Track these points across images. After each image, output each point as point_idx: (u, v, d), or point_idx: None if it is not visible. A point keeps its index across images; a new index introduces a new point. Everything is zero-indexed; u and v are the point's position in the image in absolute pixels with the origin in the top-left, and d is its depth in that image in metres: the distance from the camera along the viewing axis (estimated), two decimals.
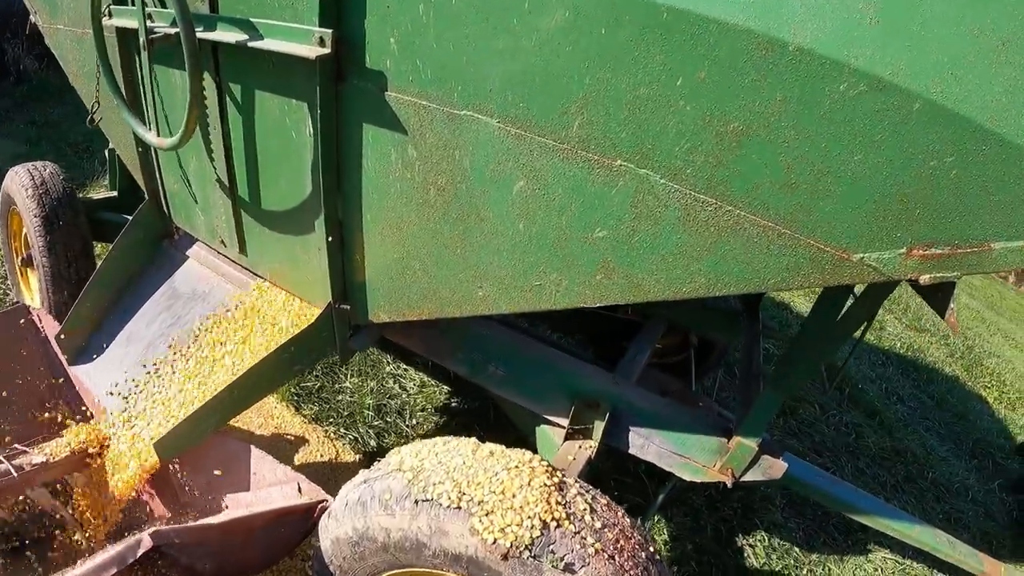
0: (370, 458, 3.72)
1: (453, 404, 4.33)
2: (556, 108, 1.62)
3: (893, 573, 4.61)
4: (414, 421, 4.11)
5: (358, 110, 1.99)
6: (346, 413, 4.05)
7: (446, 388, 4.41)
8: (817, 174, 1.41)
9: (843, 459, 5.60)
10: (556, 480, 1.88)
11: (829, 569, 4.33)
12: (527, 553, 1.74)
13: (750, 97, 1.39)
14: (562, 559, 1.74)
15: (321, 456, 3.77)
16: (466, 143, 1.80)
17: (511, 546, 1.74)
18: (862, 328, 2.47)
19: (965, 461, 6.83)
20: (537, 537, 1.74)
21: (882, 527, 3.76)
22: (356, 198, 2.14)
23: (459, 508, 1.82)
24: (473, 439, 2.06)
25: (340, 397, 4.17)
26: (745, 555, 4.04)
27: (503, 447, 2.00)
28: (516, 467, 1.88)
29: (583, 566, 1.74)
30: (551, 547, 1.75)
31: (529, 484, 1.82)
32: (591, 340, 4.86)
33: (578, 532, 1.78)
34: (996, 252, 1.39)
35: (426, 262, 2.10)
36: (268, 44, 1.99)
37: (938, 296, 1.71)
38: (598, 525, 1.82)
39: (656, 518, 3.94)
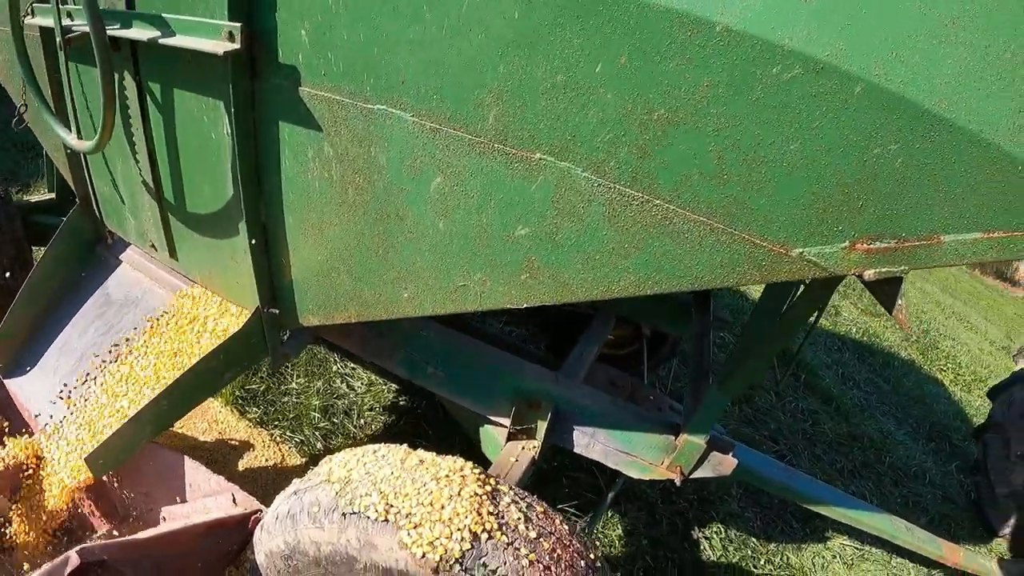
0: (316, 461, 3.59)
1: (401, 403, 4.25)
2: (470, 99, 1.54)
3: (852, 559, 4.61)
4: (362, 421, 4.02)
5: (273, 107, 1.90)
6: (292, 415, 3.95)
7: (394, 386, 4.33)
8: (751, 164, 1.35)
9: (800, 446, 5.59)
10: (488, 489, 1.80)
11: (787, 558, 4.31)
12: (458, 567, 1.66)
13: (675, 83, 1.32)
14: (494, 572, 1.67)
15: (266, 461, 3.67)
16: (381, 139, 1.72)
17: (441, 560, 1.66)
18: (813, 318, 2.43)
19: (922, 444, 6.88)
20: (468, 550, 1.66)
21: (839, 516, 3.75)
22: (277, 199, 2.06)
23: (387, 521, 1.74)
24: (404, 447, 1.97)
25: (286, 399, 4.07)
26: (702, 548, 4.01)
27: (434, 455, 1.92)
28: (446, 476, 1.80)
29: None
30: (483, 560, 1.67)
31: (459, 494, 1.75)
32: (544, 330, 4.81)
33: (511, 543, 1.70)
34: (946, 245, 1.34)
35: (350, 264, 2.03)
36: (181, 41, 1.89)
37: (885, 291, 1.65)
38: (533, 535, 1.75)
39: (610, 513, 3.90)
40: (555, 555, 1.74)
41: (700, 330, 3.38)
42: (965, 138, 1.20)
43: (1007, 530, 5.50)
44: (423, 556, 1.67)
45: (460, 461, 1.89)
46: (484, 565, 1.67)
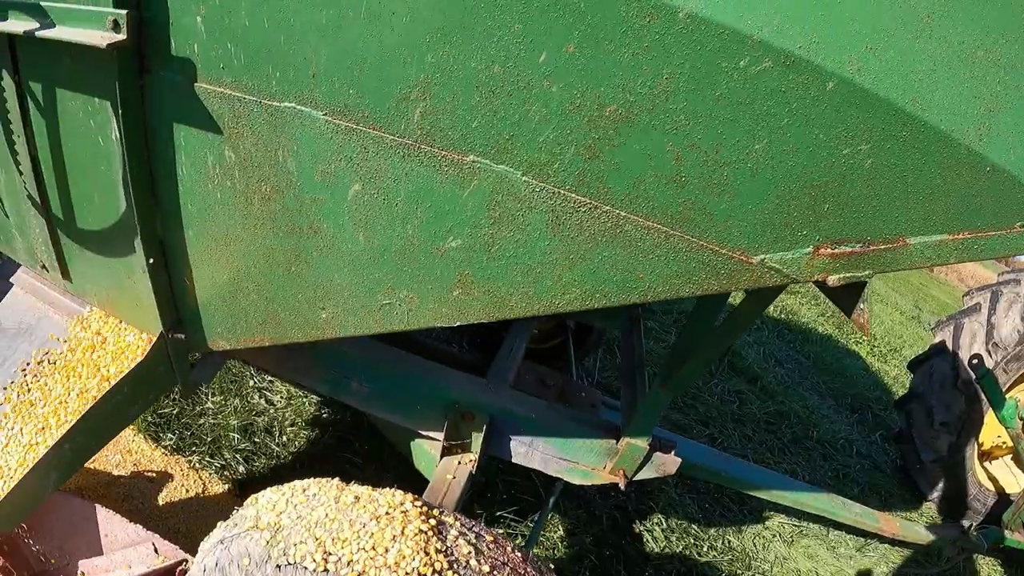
0: (240, 486, 3.47)
1: (324, 415, 4.09)
2: (393, 94, 1.40)
3: (791, 536, 4.70)
4: (284, 439, 3.84)
5: (167, 107, 1.71)
6: (210, 439, 3.74)
7: (315, 398, 4.17)
8: (712, 166, 1.27)
9: (730, 427, 5.67)
10: (433, 523, 1.66)
11: (728, 541, 4.36)
12: None
13: (631, 75, 1.23)
14: None
15: (187, 491, 3.46)
16: (290, 141, 1.56)
17: None
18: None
19: (846, 416, 7.10)
20: None
21: (778, 498, 3.78)
22: (175, 212, 1.88)
23: (326, 572, 1.59)
24: (336, 482, 1.81)
25: (202, 421, 3.84)
26: (644, 540, 4.00)
27: (370, 490, 1.77)
28: (386, 514, 1.65)
29: None
30: None
31: (403, 533, 1.60)
32: (467, 329, 4.71)
33: None
34: (912, 248, 1.32)
35: (260, 282, 1.87)
36: (60, 32, 1.68)
37: (846, 296, 1.57)
38: (486, 569, 1.62)
39: (550, 515, 3.82)
40: None
41: (628, 322, 3.32)
42: (936, 138, 1.18)
43: (936, 494, 5.73)
44: None
45: (399, 494, 1.74)
46: None
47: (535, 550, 3.50)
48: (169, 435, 3.64)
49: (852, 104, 1.17)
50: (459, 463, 2.36)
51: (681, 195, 1.29)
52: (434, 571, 1.56)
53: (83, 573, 2.43)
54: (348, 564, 1.57)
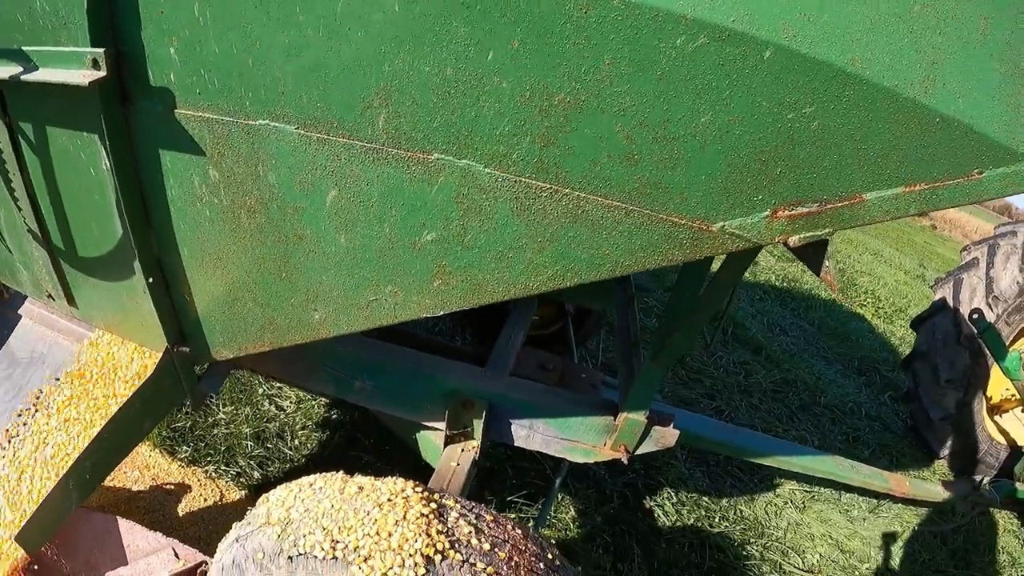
0: (256, 491, 3.52)
1: (334, 416, 4.16)
2: (357, 103, 1.46)
3: (803, 503, 4.71)
4: (296, 442, 3.91)
5: (151, 134, 1.78)
6: (223, 448, 3.81)
7: (323, 400, 4.23)
8: (661, 142, 1.33)
9: (736, 398, 5.69)
10: (434, 507, 1.73)
11: (740, 511, 4.39)
12: None
13: (574, 63, 1.29)
14: None
15: (205, 500, 3.53)
16: (268, 156, 1.63)
17: None
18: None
19: (853, 380, 7.08)
20: (423, 575, 1.59)
21: (786, 465, 3.81)
22: (169, 232, 1.95)
23: (335, 559, 1.66)
24: (340, 475, 1.89)
25: (215, 431, 3.92)
26: (655, 515, 4.04)
27: (372, 480, 1.84)
28: (388, 501, 1.73)
29: None
30: None
31: (405, 518, 1.67)
32: (467, 322, 4.76)
33: (466, 560, 1.64)
34: (870, 203, 1.36)
35: (255, 292, 1.94)
36: (44, 75, 1.75)
37: (811, 255, 1.63)
38: (487, 546, 1.69)
39: (560, 497, 3.88)
40: (513, 563, 1.68)
41: (623, 301, 3.37)
42: (881, 95, 1.22)
43: (947, 452, 5.71)
44: None
45: (400, 482, 1.82)
46: None
47: (546, 531, 3.58)
48: (184, 447, 3.72)
49: (791, 70, 1.21)
50: (462, 450, 2.42)
51: (636, 172, 1.35)
52: (436, 551, 1.63)
53: None
54: (355, 550, 1.64)
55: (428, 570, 1.60)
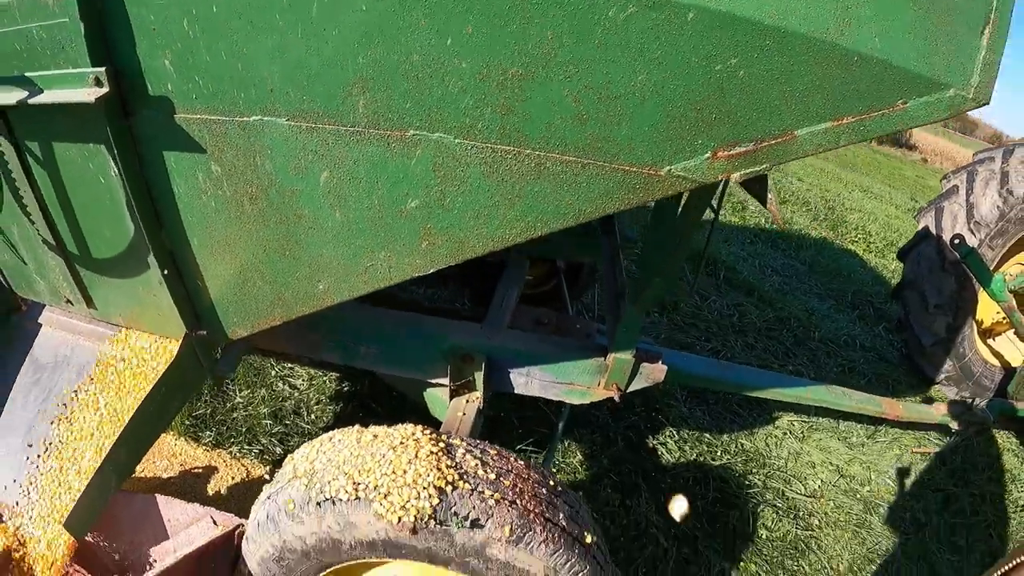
0: (280, 465, 3.65)
1: (345, 388, 4.33)
2: (338, 93, 1.63)
3: (802, 432, 4.86)
4: (312, 416, 4.09)
5: (155, 140, 1.93)
6: (244, 429, 3.98)
7: (334, 375, 4.40)
8: (606, 101, 1.48)
9: (731, 339, 5.82)
10: (442, 445, 1.92)
11: (741, 444, 4.54)
12: (433, 522, 1.79)
13: (521, 41, 1.44)
14: (467, 518, 1.79)
15: (233, 479, 3.71)
16: (264, 148, 1.79)
17: (416, 519, 1.78)
18: (712, 220, 2.59)
19: (847, 313, 7.16)
20: (437, 504, 1.78)
21: (780, 396, 3.96)
22: (178, 226, 2.10)
23: (358, 499, 1.84)
24: (356, 427, 2.07)
25: (235, 415, 4.09)
26: (660, 454, 4.20)
27: (385, 427, 2.03)
28: (401, 443, 1.92)
29: (488, 518, 1.80)
30: (453, 510, 1.80)
31: (417, 456, 1.86)
32: (465, 286, 4.89)
33: (475, 488, 1.83)
34: (801, 138, 1.49)
35: (263, 271, 2.09)
36: (50, 96, 1.88)
37: (755, 188, 1.80)
38: (493, 476, 1.88)
39: (567, 443, 4.05)
40: (518, 489, 1.87)
41: (610, 252, 3.51)
42: (799, 41, 1.35)
43: (943, 376, 5.81)
44: (400, 521, 1.78)
45: (410, 427, 2.00)
46: (456, 514, 1.79)
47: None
48: (207, 432, 3.88)
49: (714, 28, 1.35)
50: (467, 401, 2.60)
51: (586, 130, 1.51)
52: (447, 482, 1.82)
53: (154, 560, 2.58)
54: (375, 488, 1.82)
55: (441, 499, 1.79)
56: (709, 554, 3.56)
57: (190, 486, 3.62)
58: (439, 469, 1.83)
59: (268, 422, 3.99)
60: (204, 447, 3.86)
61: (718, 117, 1.47)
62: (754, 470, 4.33)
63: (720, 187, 1.86)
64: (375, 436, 1.99)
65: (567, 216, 1.65)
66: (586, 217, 1.64)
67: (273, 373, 4.40)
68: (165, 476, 3.68)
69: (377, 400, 4.21)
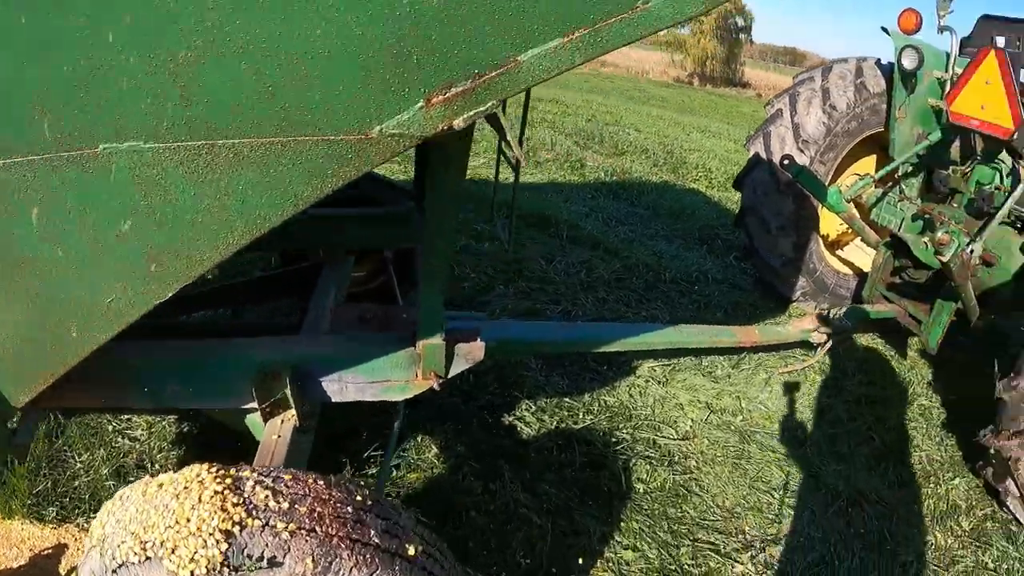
0: None
1: (185, 429, 4.10)
2: (22, 120, 1.45)
3: (664, 377, 4.86)
4: (157, 467, 3.83)
5: None
6: (88, 495, 3.71)
7: (171, 417, 4.15)
8: (290, 64, 1.33)
9: (581, 296, 5.79)
10: (228, 482, 1.75)
11: (604, 401, 4.48)
12: (226, 569, 1.63)
13: (181, 17, 1.30)
14: (261, 558, 1.64)
15: (82, 551, 3.43)
16: None
17: (207, 571, 1.62)
18: (514, 175, 2.57)
19: (697, 250, 7.31)
20: (227, 549, 1.63)
21: (629, 346, 3.97)
22: None
23: (148, 559, 1.68)
24: (145, 479, 1.88)
25: (76, 483, 3.80)
26: (518, 429, 4.10)
27: (171, 474, 1.84)
28: (184, 489, 1.74)
29: (285, 553, 1.65)
30: (245, 551, 1.64)
31: (200, 500, 1.69)
32: (289, 295, 4.67)
33: (266, 523, 1.67)
34: (527, 63, 1.34)
35: (11, 331, 1.88)
36: None
37: (498, 129, 1.67)
38: (286, 505, 1.72)
39: (419, 437, 3.91)
40: (316, 514, 1.72)
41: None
42: None
43: (797, 293, 6.01)
44: (192, 575, 1.62)
45: (196, 468, 1.83)
46: (249, 556, 1.64)
47: (411, 475, 3.62)
48: (50, 509, 3.60)
49: None
50: (282, 421, 2.43)
51: (278, 103, 1.37)
52: (234, 523, 1.65)
53: None
54: (161, 544, 1.65)
55: (230, 543, 1.63)
56: (587, 521, 3.47)
57: (41, 570, 3.37)
58: (223, 510, 1.67)
59: (111, 483, 3.71)
60: (50, 525, 3.58)
61: (422, 58, 1.33)
62: (620, 425, 4.27)
63: (500, 133, 1.71)
64: (160, 485, 1.81)
65: (286, 204, 1.50)
66: (307, 201, 1.50)
67: (111, 429, 4.12)
68: (15, 565, 3.41)
69: (220, 435, 3.94)
